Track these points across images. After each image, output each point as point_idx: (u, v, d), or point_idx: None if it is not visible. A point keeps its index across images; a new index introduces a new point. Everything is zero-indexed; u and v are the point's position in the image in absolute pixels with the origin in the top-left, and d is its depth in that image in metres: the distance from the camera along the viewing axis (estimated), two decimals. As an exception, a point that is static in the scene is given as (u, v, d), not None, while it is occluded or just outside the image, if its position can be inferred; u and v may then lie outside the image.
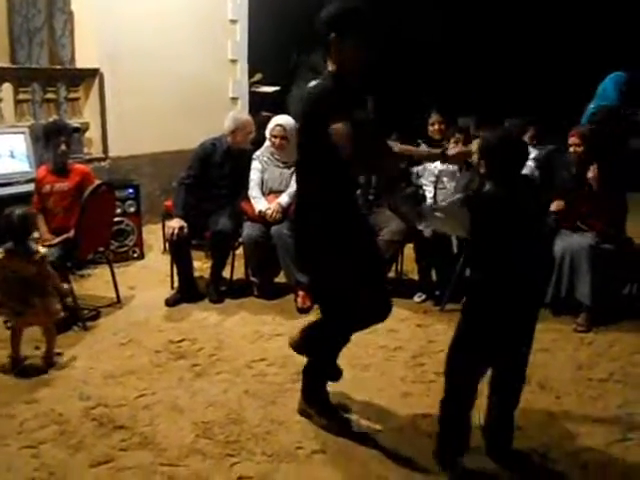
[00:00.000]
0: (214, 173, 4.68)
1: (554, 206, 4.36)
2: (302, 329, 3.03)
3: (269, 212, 4.54)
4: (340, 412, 3.09)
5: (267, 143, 4.78)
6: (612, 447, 2.90)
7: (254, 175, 4.73)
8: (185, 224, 4.47)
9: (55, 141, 4.32)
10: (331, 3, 2.72)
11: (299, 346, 3.05)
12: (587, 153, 4.35)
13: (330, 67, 2.72)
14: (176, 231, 4.44)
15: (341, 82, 2.66)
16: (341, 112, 2.53)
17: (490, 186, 2.62)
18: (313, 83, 2.72)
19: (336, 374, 3.12)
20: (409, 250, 4.88)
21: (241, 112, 4.81)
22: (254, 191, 4.70)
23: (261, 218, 4.58)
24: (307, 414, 3.05)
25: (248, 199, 4.71)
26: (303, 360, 3.22)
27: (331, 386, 3.14)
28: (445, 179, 4.71)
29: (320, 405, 3.03)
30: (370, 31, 2.67)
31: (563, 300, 4.29)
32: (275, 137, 4.68)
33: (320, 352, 3.02)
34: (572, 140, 4.41)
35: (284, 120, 4.73)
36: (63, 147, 4.34)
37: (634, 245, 4.44)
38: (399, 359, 3.76)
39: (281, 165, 4.74)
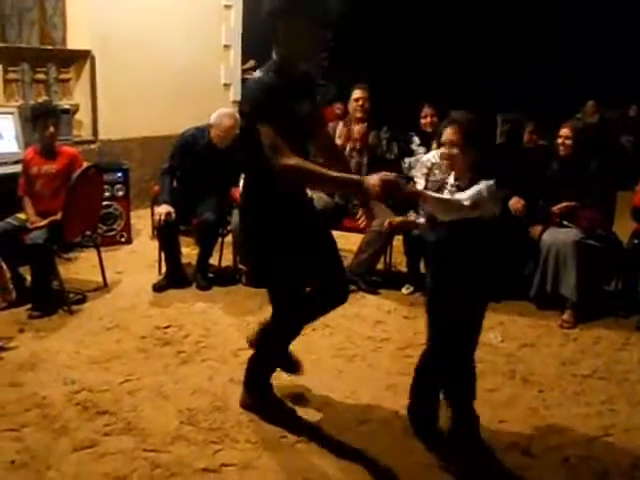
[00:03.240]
0: (197, 163, 4.61)
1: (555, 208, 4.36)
2: (260, 327, 3.03)
3: None
4: (285, 403, 3.05)
5: None
6: (594, 442, 2.92)
7: None
8: (172, 209, 4.44)
9: (43, 123, 4.26)
10: None
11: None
12: (577, 148, 4.34)
13: (275, 56, 2.61)
14: (163, 217, 4.40)
15: (284, 74, 2.57)
16: (272, 112, 2.45)
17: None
18: (257, 75, 2.62)
19: (292, 366, 3.11)
20: (398, 242, 4.88)
21: (231, 115, 4.64)
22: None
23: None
24: (250, 406, 3.01)
25: (238, 186, 4.69)
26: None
27: (317, 376, 3.14)
28: (437, 172, 4.71)
29: (264, 396, 3.01)
30: (320, 15, 2.52)
31: (548, 295, 4.32)
32: None
33: (272, 344, 2.98)
34: (563, 132, 4.39)
35: None
36: (51, 129, 4.29)
37: (620, 242, 4.46)
38: (385, 350, 3.77)
39: None
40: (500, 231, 2.73)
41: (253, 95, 2.57)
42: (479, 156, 2.56)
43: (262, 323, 3.05)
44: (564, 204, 4.35)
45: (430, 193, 2.69)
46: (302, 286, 2.84)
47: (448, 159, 2.64)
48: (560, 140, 4.38)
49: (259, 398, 3.01)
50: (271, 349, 3.00)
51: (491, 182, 2.56)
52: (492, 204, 2.58)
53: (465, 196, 2.51)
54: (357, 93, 4.95)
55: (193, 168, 4.64)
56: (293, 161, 2.43)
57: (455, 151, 2.58)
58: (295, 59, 2.61)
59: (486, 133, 2.64)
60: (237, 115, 4.65)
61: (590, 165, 4.37)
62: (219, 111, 4.66)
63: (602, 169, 4.41)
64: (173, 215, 4.44)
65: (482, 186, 2.53)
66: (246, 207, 2.84)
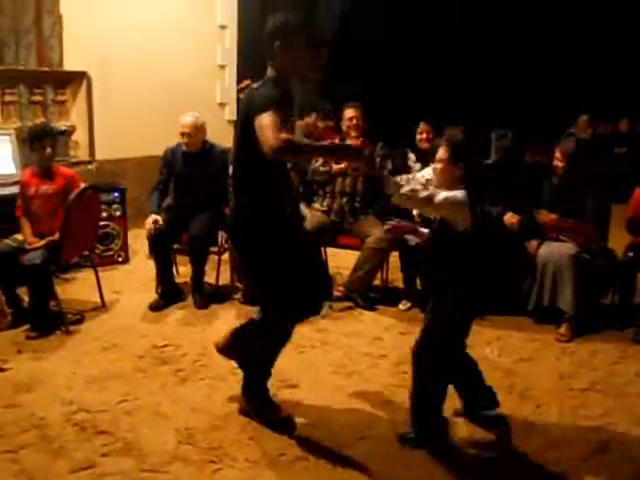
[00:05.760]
0: (180, 177, 4.81)
1: (544, 217, 4.40)
2: (231, 332, 3.14)
3: None
4: (281, 409, 3.10)
5: None
6: (592, 457, 2.92)
7: None
8: (159, 217, 4.59)
9: (40, 144, 4.29)
10: (276, 14, 2.88)
11: (228, 349, 3.15)
12: (569, 170, 4.40)
13: (270, 73, 2.84)
14: (151, 225, 4.53)
15: (279, 87, 2.78)
16: (275, 104, 2.64)
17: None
18: (255, 85, 2.85)
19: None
20: (394, 258, 4.90)
21: (191, 114, 4.75)
22: None
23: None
24: (247, 412, 3.10)
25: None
26: (288, 368, 3.23)
27: (315, 393, 3.14)
28: (431, 187, 4.73)
29: (260, 402, 3.07)
30: (313, 41, 2.84)
31: (545, 309, 4.34)
32: None
33: (260, 350, 3.06)
34: (556, 154, 4.48)
35: None
36: (49, 150, 4.32)
37: (614, 255, 4.49)
38: (383, 367, 3.77)
39: None
40: (479, 244, 2.84)
41: (256, 98, 2.74)
42: (462, 171, 2.81)
43: (233, 330, 3.16)
44: (553, 216, 4.39)
45: (392, 178, 2.94)
46: (292, 291, 2.93)
47: (438, 174, 2.94)
48: (555, 161, 4.47)
49: (256, 401, 3.07)
50: (261, 353, 3.07)
51: (463, 192, 2.77)
52: (463, 213, 2.77)
53: (425, 193, 2.80)
54: (350, 112, 4.99)
55: (178, 181, 4.83)
56: (289, 138, 2.61)
57: (440, 166, 2.88)
58: (290, 76, 2.87)
59: (470, 150, 2.86)
60: (199, 116, 4.75)
61: (587, 183, 4.42)
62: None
63: (597, 190, 4.45)
64: (160, 222, 4.56)
65: (456, 193, 2.78)
66: (239, 221, 2.96)
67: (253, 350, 3.08)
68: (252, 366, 3.10)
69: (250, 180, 2.87)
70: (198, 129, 4.73)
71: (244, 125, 2.81)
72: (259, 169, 2.80)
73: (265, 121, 2.58)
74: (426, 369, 2.90)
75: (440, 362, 2.89)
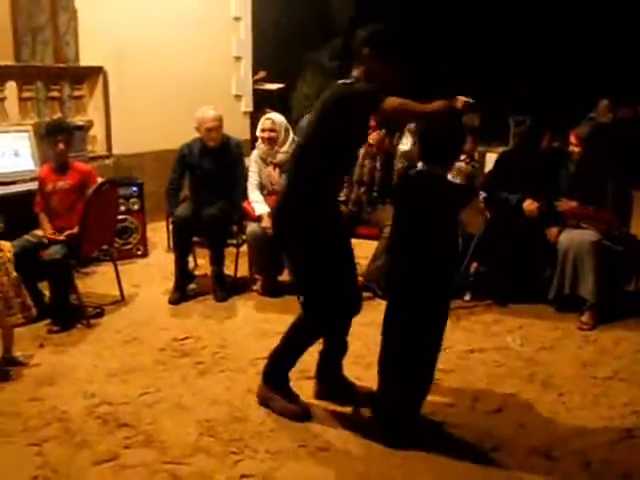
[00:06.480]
0: (196, 172, 4.80)
1: (564, 205, 4.35)
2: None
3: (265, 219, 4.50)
4: (301, 398, 3.12)
5: (258, 142, 4.79)
6: (616, 445, 2.89)
7: (252, 177, 4.74)
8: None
9: (54, 140, 4.32)
10: (374, 22, 3.01)
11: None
12: (585, 155, 4.33)
13: (356, 73, 2.92)
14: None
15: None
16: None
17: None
18: (344, 81, 2.90)
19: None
20: (413, 247, 4.86)
21: (211, 107, 4.74)
22: (254, 194, 4.70)
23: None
24: (266, 400, 3.11)
25: (249, 199, 4.73)
26: (307, 358, 3.22)
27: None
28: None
29: (282, 390, 3.10)
30: (402, 55, 2.97)
31: (567, 297, 4.29)
32: (264, 131, 4.70)
33: (295, 345, 3.08)
34: (571, 139, 4.42)
35: (273, 115, 4.80)
36: (61, 145, 4.33)
37: (637, 242, 4.42)
38: (403, 357, 3.75)
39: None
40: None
41: (354, 93, 2.83)
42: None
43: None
44: (573, 204, 4.33)
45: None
46: (338, 290, 3.00)
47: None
48: (570, 147, 4.40)
49: (276, 388, 3.10)
50: (296, 345, 3.09)
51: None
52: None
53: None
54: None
55: (196, 176, 4.81)
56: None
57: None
58: (373, 81, 2.90)
59: (427, 140, 2.93)
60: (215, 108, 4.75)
61: (605, 169, 4.34)
62: (199, 110, 4.75)
63: (617, 175, 4.38)
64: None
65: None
66: (294, 205, 2.97)
67: (286, 341, 3.09)
68: (281, 356, 3.11)
69: (318, 170, 2.91)
70: (222, 121, 4.74)
71: (329, 116, 2.88)
72: (331, 160, 2.90)
73: (399, 101, 2.75)
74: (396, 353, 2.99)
75: (408, 341, 2.94)
